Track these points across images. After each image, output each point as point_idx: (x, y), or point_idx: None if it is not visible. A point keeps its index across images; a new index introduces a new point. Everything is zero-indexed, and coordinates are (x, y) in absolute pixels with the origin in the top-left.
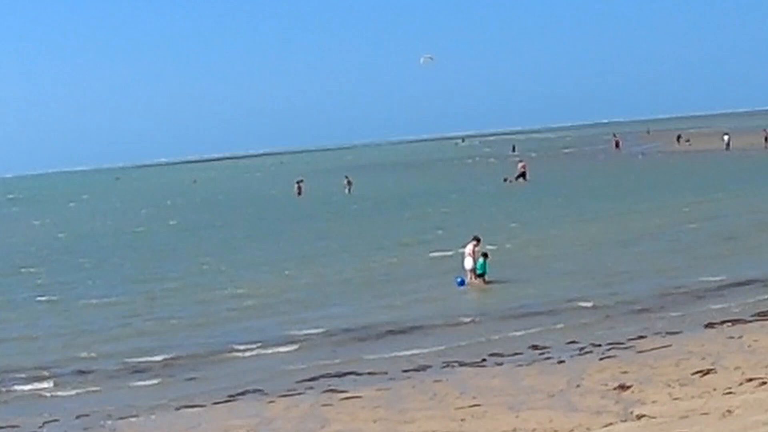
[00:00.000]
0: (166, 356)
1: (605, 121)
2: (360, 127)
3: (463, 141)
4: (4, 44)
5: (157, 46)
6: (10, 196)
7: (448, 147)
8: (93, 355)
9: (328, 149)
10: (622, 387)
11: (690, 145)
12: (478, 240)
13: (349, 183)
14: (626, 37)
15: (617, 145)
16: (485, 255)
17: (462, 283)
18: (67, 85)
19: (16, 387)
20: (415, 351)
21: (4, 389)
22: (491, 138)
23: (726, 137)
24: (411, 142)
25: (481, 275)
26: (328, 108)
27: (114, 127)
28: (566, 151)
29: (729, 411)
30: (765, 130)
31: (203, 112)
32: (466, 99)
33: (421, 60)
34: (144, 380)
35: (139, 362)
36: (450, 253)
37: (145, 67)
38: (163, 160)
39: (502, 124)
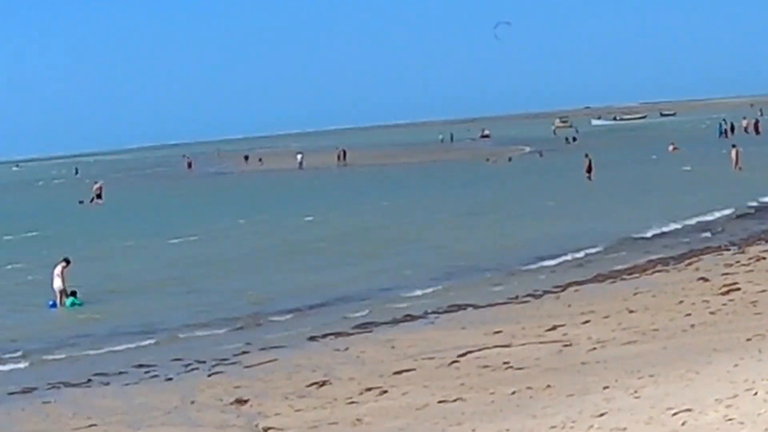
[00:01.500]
0: None
1: (173, 142)
2: None
3: (18, 166)
4: None
5: None
6: None
7: (4, 171)
8: None
9: None
10: (240, 401)
11: (262, 164)
12: (67, 261)
13: None
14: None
15: (190, 165)
16: (74, 293)
17: (54, 305)
18: None
19: None
20: (14, 370)
21: None
22: (52, 162)
23: (299, 156)
24: None
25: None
26: None
27: None
28: (143, 172)
29: (359, 420)
30: (337, 148)
31: None
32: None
33: None
34: None
35: None
36: (40, 276)
37: None
38: None
39: (63, 148)
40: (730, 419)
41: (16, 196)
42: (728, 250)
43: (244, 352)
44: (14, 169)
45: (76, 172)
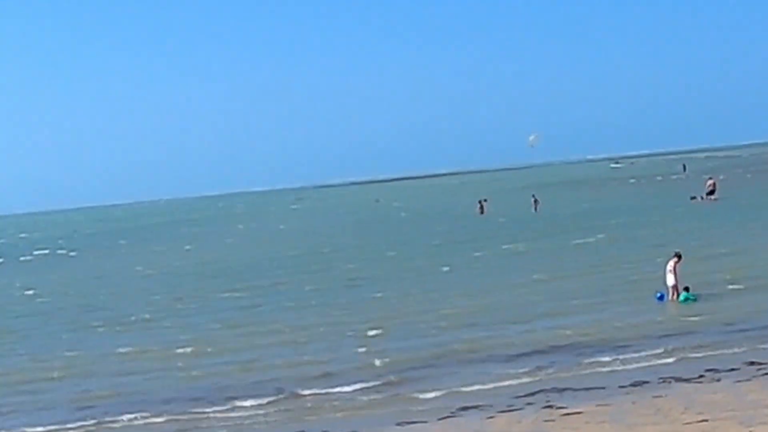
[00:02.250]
0: (387, 376)
1: None
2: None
3: (617, 163)
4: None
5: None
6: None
7: (602, 168)
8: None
9: (507, 169)
10: None
11: None
12: (679, 256)
13: (535, 201)
14: None
15: None
16: (687, 288)
17: (662, 298)
18: (247, 102)
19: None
20: (626, 366)
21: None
22: (653, 158)
23: None
24: (568, 163)
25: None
26: (503, 128)
27: (291, 147)
28: (759, 168)
29: None
30: None
31: (381, 132)
32: (624, 119)
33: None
34: (367, 395)
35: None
36: (650, 270)
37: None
38: (338, 180)
39: (664, 144)
40: None
41: (621, 191)
42: None
43: None
44: (612, 166)
45: (684, 169)
